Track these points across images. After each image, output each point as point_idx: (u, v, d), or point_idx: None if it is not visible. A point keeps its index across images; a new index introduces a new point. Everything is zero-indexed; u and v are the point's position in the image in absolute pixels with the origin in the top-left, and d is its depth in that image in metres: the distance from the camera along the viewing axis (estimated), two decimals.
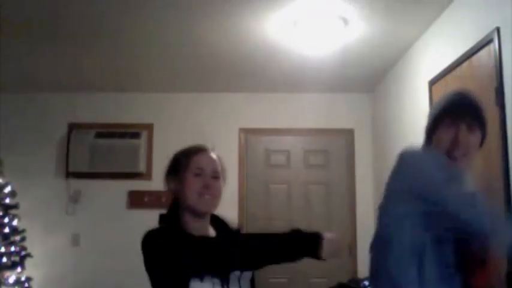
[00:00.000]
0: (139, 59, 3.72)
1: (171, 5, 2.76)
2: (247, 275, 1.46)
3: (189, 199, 1.46)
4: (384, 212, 1.43)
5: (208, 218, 1.52)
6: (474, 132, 1.41)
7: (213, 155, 1.53)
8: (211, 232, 1.53)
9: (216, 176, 1.50)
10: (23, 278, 3.60)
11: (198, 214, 1.47)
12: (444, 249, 1.32)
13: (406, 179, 1.38)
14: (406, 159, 1.42)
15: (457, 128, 1.39)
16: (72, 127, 4.49)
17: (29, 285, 3.65)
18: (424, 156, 1.44)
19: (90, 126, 4.47)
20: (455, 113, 1.41)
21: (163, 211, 1.51)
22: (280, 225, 4.34)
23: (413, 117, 3.38)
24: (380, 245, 1.41)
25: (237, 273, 1.42)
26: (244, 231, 1.59)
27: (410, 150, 1.47)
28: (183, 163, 1.50)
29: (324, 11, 2.83)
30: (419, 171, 1.37)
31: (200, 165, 1.49)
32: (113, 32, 3.16)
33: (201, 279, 1.35)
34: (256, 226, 4.39)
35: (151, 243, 1.39)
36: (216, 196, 1.49)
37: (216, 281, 1.38)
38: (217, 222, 1.56)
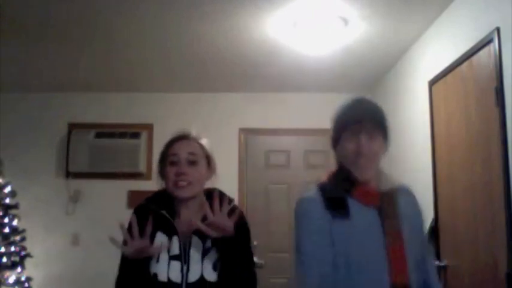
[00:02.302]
0: (139, 59, 3.72)
1: (171, 5, 2.76)
2: (212, 256, 1.49)
3: (167, 187, 1.54)
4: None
5: (196, 200, 1.56)
6: (375, 140, 1.45)
7: (192, 141, 1.58)
8: (202, 212, 1.51)
9: (193, 161, 1.54)
10: (23, 278, 3.60)
11: (179, 200, 1.55)
12: None
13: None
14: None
15: (358, 138, 1.43)
16: (72, 127, 4.49)
17: (29, 285, 3.65)
18: (298, 203, 1.50)
19: (90, 126, 4.47)
20: (355, 123, 1.44)
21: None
22: (280, 225, 4.36)
23: (413, 117, 3.38)
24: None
25: (199, 252, 1.48)
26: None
27: (299, 198, 1.52)
28: (164, 154, 1.58)
29: (324, 11, 2.83)
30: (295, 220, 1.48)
31: (174, 152, 1.54)
32: (112, 32, 3.16)
33: (157, 260, 1.47)
34: (256, 226, 4.39)
35: None
36: (192, 182, 1.53)
37: (176, 264, 1.47)
38: (210, 195, 1.56)
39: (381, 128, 1.47)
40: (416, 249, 1.49)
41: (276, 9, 2.81)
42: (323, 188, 1.48)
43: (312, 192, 1.49)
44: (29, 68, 3.91)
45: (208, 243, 1.50)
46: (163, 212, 1.54)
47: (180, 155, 1.53)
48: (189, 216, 1.52)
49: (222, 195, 1.55)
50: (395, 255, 1.41)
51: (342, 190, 1.46)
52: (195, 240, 1.50)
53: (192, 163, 1.54)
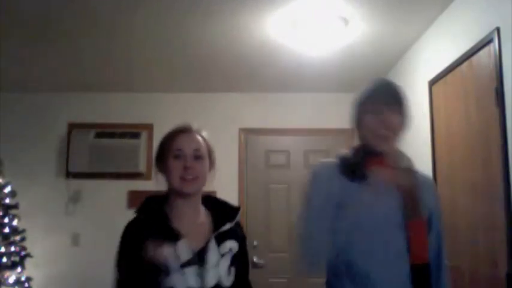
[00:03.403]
0: (139, 59, 3.72)
1: (171, 5, 2.76)
2: (225, 261, 1.44)
3: (172, 183, 1.46)
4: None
5: (197, 199, 1.52)
6: (396, 114, 1.51)
7: (196, 135, 1.52)
8: (202, 213, 1.52)
9: (198, 155, 1.48)
10: (23, 278, 3.60)
11: (183, 196, 1.47)
12: None
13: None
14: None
15: (381, 110, 1.50)
16: (72, 127, 4.49)
17: (29, 285, 3.65)
18: (313, 167, 1.59)
19: (90, 126, 4.47)
20: (377, 98, 1.52)
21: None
22: (280, 225, 4.36)
23: (413, 117, 3.37)
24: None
25: (216, 255, 1.43)
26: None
27: (313, 165, 1.61)
28: (165, 147, 1.50)
29: (324, 11, 2.83)
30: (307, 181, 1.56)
31: (179, 146, 1.47)
32: (112, 32, 3.16)
33: (167, 274, 1.35)
34: (256, 226, 4.39)
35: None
36: (198, 177, 1.47)
37: (191, 270, 1.37)
38: (215, 202, 1.57)
39: (402, 108, 1.53)
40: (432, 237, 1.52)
41: (276, 9, 2.81)
42: (342, 157, 1.56)
43: (330, 159, 1.57)
44: (29, 68, 3.90)
45: (223, 248, 1.45)
46: (171, 225, 1.43)
47: (186, 149, 1.47)
48: (189, 213, 1.47)
49: (230, 203, 1.59)
50: (415, 231, 1.45)
51: (360, 160, 1.52)
52: (213, 244, 1.44)
53: (198, 157, 1.48)
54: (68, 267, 4.24)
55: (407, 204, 1.47)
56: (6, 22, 2.97)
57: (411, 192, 1.48)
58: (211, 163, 1.55)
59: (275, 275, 4.15)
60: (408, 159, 1.58)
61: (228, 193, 4.48)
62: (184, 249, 1.39)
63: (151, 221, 1.44)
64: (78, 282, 4.18)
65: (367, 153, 1.53)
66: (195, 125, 1.55)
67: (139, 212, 1.49)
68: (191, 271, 1.37)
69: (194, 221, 1.48)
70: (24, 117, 4.52)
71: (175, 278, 1.35)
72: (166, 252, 1.35)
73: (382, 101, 1.51)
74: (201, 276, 1.38)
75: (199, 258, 1.39)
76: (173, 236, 1.40)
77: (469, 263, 2.44)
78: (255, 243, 4.35)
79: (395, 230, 1.45)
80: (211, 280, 1.39)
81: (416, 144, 3.28)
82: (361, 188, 1.46)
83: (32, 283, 3.72)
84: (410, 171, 1.54)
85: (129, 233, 1.44)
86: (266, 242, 4.37)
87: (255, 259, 4.29)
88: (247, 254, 1.60)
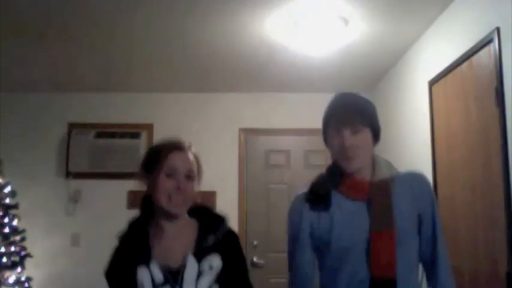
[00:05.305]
0: (139, 59, 3.72)
1: (171, 5, 2.76)
2: (206, 280, 1.40)
3: (160, 201, 1.42)
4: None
5: (182, 218, 1.48)
6: (360, 132, 1.48)
7: (189, 154, 1.48)
8: (187, 227, 1.48)
9: (190, 175, 1.45)
10: (23, 278, 3.60)
11: (169, 215, 1.44)
12: None
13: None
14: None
15: (341, 131, 1.48)
16: (72, 127, 4.49)
17: (29, 285, 3.65)
18: (291, 202, 1.66)
19: (90, 126, 4.47)
20: (338, 119, 1.50)
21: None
22: (280, 225, 4.35)
23: (413, 117, 3.38)
24: None
25: (194, 273, 1.39)
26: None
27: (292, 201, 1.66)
28: (156, 161, 1.45)
29: (324, 11, 2.83)
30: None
31: (174, 166, 1.43)
32: (112, 31, 3.16)
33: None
34: (256, 226, 4.39)
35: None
36: (187, 197, 1.44)
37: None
38: (202, 213, 1.52)
39: (365, 121, 1.49)
40: (415, 242, 1.50)
41: (276, 9, 2.81)
42: (312, 185, 1.58)
43: (302, 190, 1.61)
44: (29, 68, 3.90)
45: (203, 265, 1.40)
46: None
47: (180, 169, 1.43)
48: (173, 234, 1.44)
49: (215, 213, 1.53)
50: (378, 248, 1.41)
51: (329, 185, 1.54)
52: (191, 261, 1.39)
53: (189, 178, 1.45)
54: (68, 267, 4.24)
55: (372, 218, 1.44)
56: (6, 22, 2.97)
57: (380, 205, 1.44)
58: (199, 179, 1.51)
59: (275, 275, 4.15)
60: (387, 166, 1.54)
61: (228, 193, 4.49)
62: (156, 270, 1.38)
63: (134, 240, 1.46)
64: (78, 282, 4.18)
65: (336, 175, 1.54)
66: (186, 143, 1.51)
67: (123, 237, 1.50)
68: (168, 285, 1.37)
69: (176, 237, 1.45)
70: (24, 117, 4.52)
71: None
72: (140, 274, 1.37)
73: (340, 122, 1.49)
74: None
75: (174, 278, 1.37)
76: (148, 257, 1.40)
77: (469, 263, 2.44)
78: (255, 243, 4.35)
79: (362, 247, 1.43)
80: None
81: (416, 144, 3.28)
82: (327, 217, 1.49)
83: (32, 283, 3.72)
84: (384, 182, 1.49)
85: (116, 251, 1.47)
86: (266, 242, 4.37)
87: (255, 259, 4.29)
88: (242, 264, 1.52)
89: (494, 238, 2.20)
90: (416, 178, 1.56)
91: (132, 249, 1.43)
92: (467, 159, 2.50)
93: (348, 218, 1.48)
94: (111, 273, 1.45)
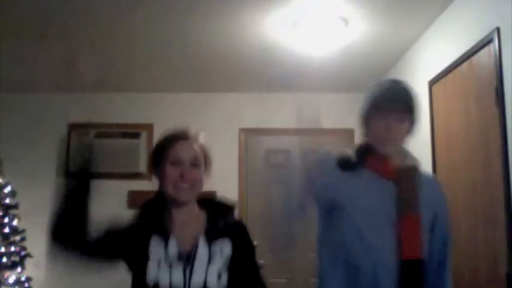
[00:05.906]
0: (139, 59, 3.72)
1: (171, 5, 2.76)
2: (217, 263, 1.43)
3: (167, 189, 1.46)
4: None
5: (192, 204, 1.51)
6: (403, 122, 1.53)
7: (193, 143, 1.50)
8: (196, 215, 1.51)
9: (195, 163, 1.47)
10: (23, 278, 3.61)
11: (178, 203, 1.47)
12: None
13: None
14: None
15: (386, 115, 1.51)
16: (72, 127, 4.49)
17: (29, 285, 3.65)
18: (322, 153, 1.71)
19: (90, 126, 4.46)
20: (384, 102, 1.53)
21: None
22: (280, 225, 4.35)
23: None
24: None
25: (206, 255, 1.42)
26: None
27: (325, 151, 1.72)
28: (162, 153, 1.49)
29: (324, 11, 2.83)
30: None
31: (177, 154, 1.46)
32: (112, 31, 3.16)
33: (157, 267, 1.39)
34: (256, 226, 4.39)
35: None
36: (193, 185, 1.46)
37: (177, 268, 1.39)
38: (211, 204, 1.55)
39: (410, 111, 1.54)
40: (428, 236, 1.51)
41: (275, 9, 2.81)
42: (343, 152, 1.62)
43: (333, 153, 1.63)
44: (29, 68, 3.90)
45: (214, 247, 1.44)
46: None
47: (183, 157, 1.46)
48: (183, 220, 1.47)
49: (224, 202, 1.56)
50: (407, 225, 1.45)
51: (358, 159, 1.56)
52: (202, 242, 1.43)
53: (194, 165, 1.47)
54: (68, 267, 4.23)
55: (401, 198, 1.46)
56: (6, 22, 2.96)
57: (408, 188, 1.48)
58: (208, 170, 1.54)
59: (275, 275, 4.15)
60: (414, 160, 1.59)
61: (228, 193, 4.45)
62: (173, 243, 1.42)
63: (155, 212, 1.49)
64: (78, 282, 4.17)
65: (370, 152, 1.54)
66: (192, 130, 1.53)
67: (147, 205, 1.54)
68: (177, 269, 1.39)
69: (186, 223, 1.47)
70: (24, 117, 4.51)
71: (160, 275, 1.38)
72: (154, 244, 1.41)
73: (388, 106, 1.51)
74: (187, 275, 1.39)
75: (187, 258, 1.41)
76: (164, 235, 1.43)
77: (469, 263, 2.44)
78: (255, 243, 4.34)
79: (386, 224, 1.46)
80: (197, 279, 1.39)
81: (417, 144, 3.27)
82: (352, 181, 1.50)
83: (32, 283, 3.72)
84: (413, 168, 1.54)
85: (138, 216, 1.50)
86: (266, 242, 4.36)
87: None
88: (252, 253, 1.59)
89: (494, 238, 2.20)
90: (436, 182, 1.69)
91: (153, 219, 1.47)
92: (467, 159, 2.50)
93: (373, 189, 1.51)
94: (129, 233, 1.46)
